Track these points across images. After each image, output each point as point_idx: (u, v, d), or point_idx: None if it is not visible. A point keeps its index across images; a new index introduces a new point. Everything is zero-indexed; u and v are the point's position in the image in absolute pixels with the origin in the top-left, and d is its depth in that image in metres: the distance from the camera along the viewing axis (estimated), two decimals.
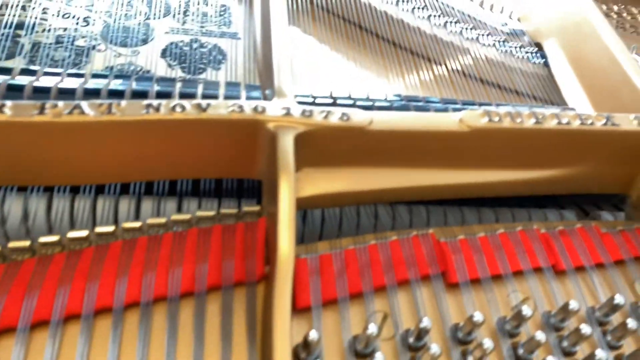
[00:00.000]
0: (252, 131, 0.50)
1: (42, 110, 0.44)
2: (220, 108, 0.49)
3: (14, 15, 0.75)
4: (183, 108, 0.48)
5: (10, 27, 0.73)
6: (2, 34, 0.72)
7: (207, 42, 0.80)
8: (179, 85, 0.61)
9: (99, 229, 0.49)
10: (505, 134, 0.53)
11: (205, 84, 0.62)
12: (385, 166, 0.52)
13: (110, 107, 0.46)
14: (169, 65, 0.75)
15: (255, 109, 0.50)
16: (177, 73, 0.74)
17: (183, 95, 0.60)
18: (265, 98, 0.60)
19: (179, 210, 0.61)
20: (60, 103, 0.45)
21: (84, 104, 0.45)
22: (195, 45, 0.79)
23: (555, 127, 0.54)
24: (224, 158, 0.53)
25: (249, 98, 0.59)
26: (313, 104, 0.60)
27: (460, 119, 0.53)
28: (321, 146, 0.51)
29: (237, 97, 0.60)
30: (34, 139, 0.45)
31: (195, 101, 0.49)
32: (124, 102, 0.47)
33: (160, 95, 0.59)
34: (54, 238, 0.47)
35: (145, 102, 0.48)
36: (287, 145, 0.48)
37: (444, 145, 0.53)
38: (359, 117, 0.50)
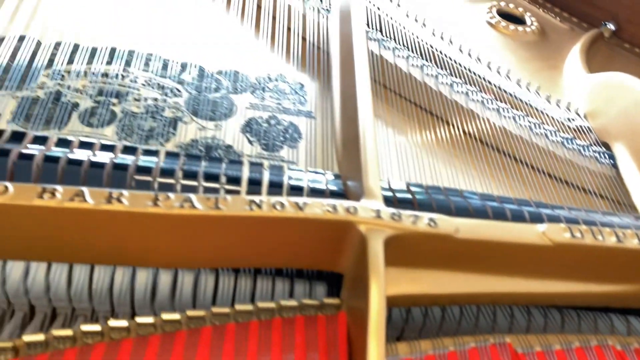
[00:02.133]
0: (342, 230, 0.53)
1: (155, 201, 0.48)
2: (315, 207, 0.52)
3: (111, 84, 0.80)
4: (282, 206, 0.51)
5: (108, 95, 0.78)
6: (99, 102, 0.77)
7: (284, 120, 0.84)
8: (266, 173, 0.64)
9: (191, 313, 0.51)
10: (587, 249, 0.54)
11: (289, 172, 0.65)
12: (468, 271, 0.54)
13: (217, 202, 0.49)
14: (249, 141, 0.79)
15: (347, 210, 0.52)
16: (257, 149, 0.78)
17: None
18: (347, 190, 0.63)
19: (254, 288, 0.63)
20: (172, 195, 0.49)
21: (194, 198, 0.49)
22: (273, 122, 0.83)
23: (636, 247, 0.55)
24: (309, 251, 0.56)
25: (331, 191, 0.62)
26: (390, 189, 0.63)
27: (543, 232, 0.54)
28: (407, 248, 0.53)
29: (320, 188, 0.63)
30: (144, 228, 0.48)
31: (293, 199, 0.52)
32: (229, 198, 0.50)
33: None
34: (149, 319, 0.50)
35: (249, 198, 0.51)
36: (377, 248, 0.50)
37: (525, 255, 0.54)
38: (446, 224, 0.52)
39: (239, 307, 0.53)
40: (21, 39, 0.81)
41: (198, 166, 0.62)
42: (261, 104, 0.85)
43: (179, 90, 0.83)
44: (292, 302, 0.54)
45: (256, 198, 0.51)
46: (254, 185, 0.61)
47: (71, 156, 0.56)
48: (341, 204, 0.53)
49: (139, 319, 0.49)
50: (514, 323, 0.62)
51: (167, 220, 0.48)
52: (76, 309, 0.59)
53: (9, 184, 0.47)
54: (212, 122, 0.80)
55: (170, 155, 0.62)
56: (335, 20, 0.94)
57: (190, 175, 0.58)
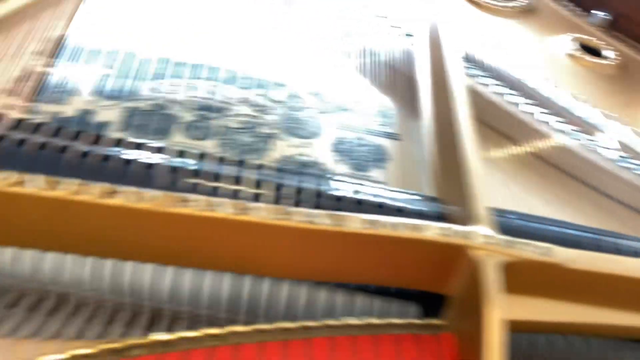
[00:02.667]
0: (454, 254, 0.54)
1: (287, 215, 0.50)
2: (431, 230, 0.53)
3: (209, 99, 0.84)
4: (399, 226, 0.52)
5: (206, 110, 0.82)
6: (200, 116, 0.81)
7: (371, 141, 0.86)
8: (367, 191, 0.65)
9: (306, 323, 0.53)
10: None
11: (388, 192, 0.67)
12: (578, 301, 0.54)
13: (341, 219, 0.51)
14: (339, 161, 0.81)
15: (462, 235, 0.53)
16: (347, 169, 0.80)
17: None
18: (449, 214, 0.63)
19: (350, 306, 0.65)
20: (303, 209, 0.51)
21: (320, 214, 0.51)
22: (360, 142, 0.85)
23: None
24: (415, 271, 0.57)
25: (433, 213, 0.63)
26: (499, 215, 0.63)
27: None
28: (518, 276, 0.53)
29: (422, 210, 0.63)
30: (272, 239, 0.51)
31: (410, 221, 0.53)
32: (351, 216, 0.52)
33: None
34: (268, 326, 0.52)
35: (367, 217, 0.53)
36: (492, 274, 0.51)
37: (635, 289, 0.54)
38: (561, 254, 0.53)
39: (349, 321, 0.54)
40: (117, 52, 0.86)
41: (312, 183, 0.64)
42: (348, 124, 0.88)
43: (271, 108, 0.86)
44: (400, 320, 0.55)
45: (374, 217, 0.52)
46: (358, 205, 0.63)
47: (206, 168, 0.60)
48: (455, 228, 0.54)
49: (261, 326, 0.51)
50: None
51: (296, 233, 0.50)
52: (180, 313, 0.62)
53: (154, 192, 0.50)
54: (303, 140, 0.83)
55: (282, 171, 0.64)
56: (421, 44, 0.96)
57: (304, 191, 0.60)
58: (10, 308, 0.55)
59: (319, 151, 0.81)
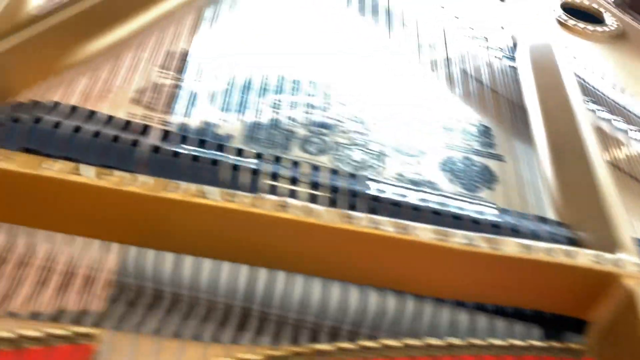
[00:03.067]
0: (603, 281, 0.54)
1: (443, 236, 0.52)
2: (582, 257, 0.54)
3: (318, 115, 0.86)
4: (549, 252, 0.53)
5: (318, 125, 0.84)
6: (312, 131, 0.83)
7: (478, 161, 0.87)
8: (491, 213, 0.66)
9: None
10: None
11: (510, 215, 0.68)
12: None
13: (497, 242, 0.52)
14: (450, 180, 0.83)
15: (614, 263, 0.54)
16: (457, 188, 0.81)
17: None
18: (582, 239, 0.64)
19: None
20: (456, 231, 0.52)
21: (476, 237, 0.52)
22: (467, 163, 0.86)
23: None
24: (559, 296, 0.58)
25: (566, 238, 0.64)
26: None
27: None
28: None
29: (554, 234, 0.63)
30: (420, 258, 0.53)
31: (563, 247, 0.54)
32: (505, 240, 0.53)
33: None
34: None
35: (520, 241, 0.54)
36: None
37: None
38: None
39: (473, 341, 0.55)
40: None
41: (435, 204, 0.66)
42: (453, 144, 0.89)
43: (374, 126, 0.88)
44: (540, 343, 0.56)
45: (527, 242, 0.54)
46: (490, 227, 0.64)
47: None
48: (607, 256, 0.55)
49: (410, 341, 0.52)
50: None
51: (454, 254, 0.51)
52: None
53: (321, 208, 0.53)
54: (412, 158, 0.84)
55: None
56: (524, 65, 0.97)
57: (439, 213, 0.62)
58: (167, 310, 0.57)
59: (429, 170, 0.83)
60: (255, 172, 0.59)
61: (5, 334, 0.46)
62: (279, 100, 0.86)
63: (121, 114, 0.68)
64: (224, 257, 0.55)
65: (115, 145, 0.59)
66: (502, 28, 1.09)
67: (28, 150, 0.58)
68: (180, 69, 0.84)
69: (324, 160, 0.80)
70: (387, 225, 0.51)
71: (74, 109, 0.65)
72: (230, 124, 0.80)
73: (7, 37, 0.64)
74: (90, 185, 0.49)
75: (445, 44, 1.01)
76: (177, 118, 0.79)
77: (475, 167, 0.85)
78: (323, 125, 0.84)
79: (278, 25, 1.00)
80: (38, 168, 0.50)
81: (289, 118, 0.83)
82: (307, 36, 0.99)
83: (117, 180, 0.51)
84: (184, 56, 0.86)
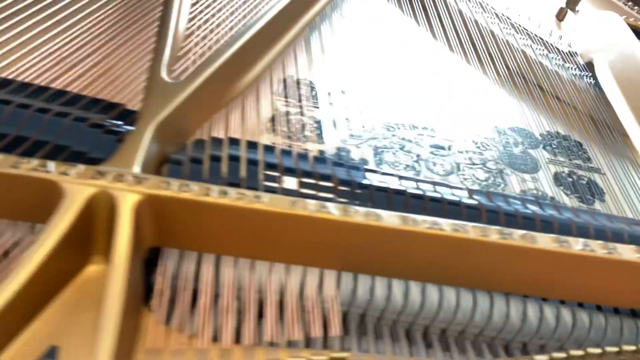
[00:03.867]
0: None
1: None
2: None
3: (434, 137, 0.90)
4: None
5: (436, 147, 0.88)
6: (433, 153, 0.86)
7: (582, 175, 0.92)
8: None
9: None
10: None
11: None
12: None
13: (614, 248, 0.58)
14: (567, 194, 0.87)
15: None
16: (574, 202, 0.86)
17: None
18: None
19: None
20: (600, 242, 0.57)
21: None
22: (574, 177, 0.91)
23: None
24: None
25: None
26: None
27: None
28: None
29: None
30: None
31: None
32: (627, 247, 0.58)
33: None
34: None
35: None
36: None
37: None
38: None
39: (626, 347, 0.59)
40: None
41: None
42: (556, 159, 0.94)
43: (488, 145, 0.92)
44: None
45: None
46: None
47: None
48: None
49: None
50: None
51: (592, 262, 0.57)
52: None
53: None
54: (527, 175, 0.88)
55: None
56: (607, 79, 1.03)
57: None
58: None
59: (546, 185, 0.87)
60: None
61: None
62: (396, 124, 0.90)
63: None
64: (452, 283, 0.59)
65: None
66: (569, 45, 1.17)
67: (230, 184, 0.60)
68: (300, 97, 0.87)
69: (453, 180, 0.83)
70: (597, 247, 0.56)
71: (251, 143, 0.67)
72: (360, 149, 0.83)
73: (186, 87, 0.67)
74: (337, 220, 0.52)
75: (531, 67, 1.06)
76: (311, 145, 0.81)
77: (582, 180, 0.91)
78: (441, 147, 0.88)
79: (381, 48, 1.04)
80: (292, 207, 0.52)
81: (408, 140, 0.87)
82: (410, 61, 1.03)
83: (364, 214, 0.54)
84: (305, 85, 0.89)
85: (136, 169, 0.55)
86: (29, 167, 0.51)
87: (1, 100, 0.61)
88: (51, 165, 0.51)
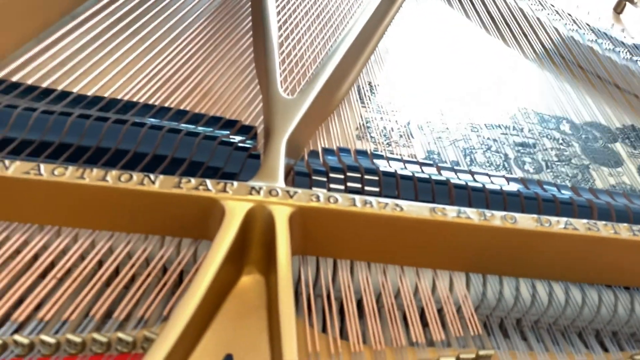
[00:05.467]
0: None
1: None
2: None
3: (518, 136, 0.92)
4: None
5: (524, 146, 0.90)
6: (520, 152, 0.89)
7: None
8: None
9: None
10: None
11: None
12: None
13: None
14: None
15: None
16: None
17: None
18: None
19: None
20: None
21: None
22: None
23: None
24: None
25: None
26: None
27: None
28: None
29: None
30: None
31: None
32: None
33: None
34: None
35: None
36: None
37: None
38: None
39: None
40: None
41: None
42: (637, 152, 0.96)
43: (568, 141, 0.94)
44: None
45: None
46: None
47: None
48: None
49: None
50: None
51: None
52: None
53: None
54: (612, 169, 0.91)
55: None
56: None
57: None
58: None
59: (632, 179, 0.89)
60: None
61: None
62: (478, 124, 0.92)
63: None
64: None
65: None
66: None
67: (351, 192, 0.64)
68: (380, 103, 0.90)
69: (543, 177, 0.86)
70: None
71: (360, 152, 0.70)
72: (448, 151, 0.86)
73: (302, 102, 0.70)
74: (475, 225, 0.55)
75: (600, 62, 1.08)
76: (402, 150, 0.84)
77: None
78: (527, 145, 0.91)
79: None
80: (431, 214, 0.55)
81: (493, 139, 0.90)
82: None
83: (501, 217, 0.57)
84: (383, 89, 0.92)
85: (281, 183, 0.58)
86: (190, 186, 0.54)
87: (136, 122, 0.65)
88: (209, 183, 0.55)
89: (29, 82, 0.71)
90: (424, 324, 0.58)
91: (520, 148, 0.90)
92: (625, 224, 0.58)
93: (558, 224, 0.57)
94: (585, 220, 0.57)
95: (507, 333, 0.62)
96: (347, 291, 0.58)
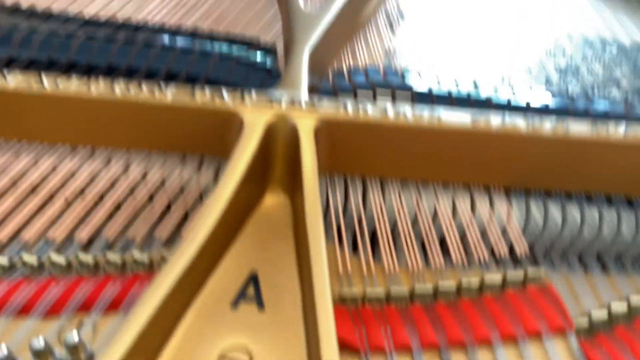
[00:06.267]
0: None
1: None
2: None
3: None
4: None
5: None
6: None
7: None
8: None
9: None
10: None
11: None
12: None
13: None
14: None
15: None
16: None
17: None
18: None
19: None
20: None
21: None
22: None
23: None
24: None
25: None
26: None
27: None
28: None
29: None
30: None
31: None
32: None
33: None
34: None
35: None
36: None
37: None
38: None
39: None
40: None
41: None
42: None
43: (617, 63, 0.87)
44: None
45: None
46: None
47: None
48: None
49: None
50: None
51: None
52: None
53: None
54: None
55: None
56: None
57: None
58: None
59: None
60: None
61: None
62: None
63: None
64: None
65: None
66: None
67: None
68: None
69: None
70: None
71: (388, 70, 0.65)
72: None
73: (323, 17, 0.64)
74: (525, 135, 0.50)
75: None
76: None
77: None
78: (570, 69, 0.83)
79: None
80: (473, 125, 0.50)
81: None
82: None
83: (551, 127, 0.51)
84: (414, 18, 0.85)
85: (305, 93, 0.53)
86: (205, 98, 0.49)
87: (147, 43, 0.60)
88: (226, 94, 0.50)
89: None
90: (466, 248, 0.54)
91: (563, 73, 0.83)
92: None
93: (616, 131, 0.51)
94: None
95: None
96: (380, 213, 0.53)
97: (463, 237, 0.54)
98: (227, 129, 0.49)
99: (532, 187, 0.54)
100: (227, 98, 0.49)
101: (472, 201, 0.56)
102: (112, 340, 0.37)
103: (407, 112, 0.51)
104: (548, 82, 0.81)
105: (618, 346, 0.45)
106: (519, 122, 0.51)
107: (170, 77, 0.58)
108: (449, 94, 0.62)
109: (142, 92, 0.49)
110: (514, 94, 0.67)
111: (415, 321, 0.45)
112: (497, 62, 0.82)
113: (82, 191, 0.51)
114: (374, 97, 0.60)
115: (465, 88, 0.67)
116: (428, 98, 0.62)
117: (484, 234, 0.54)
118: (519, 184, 0.53)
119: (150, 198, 0.51)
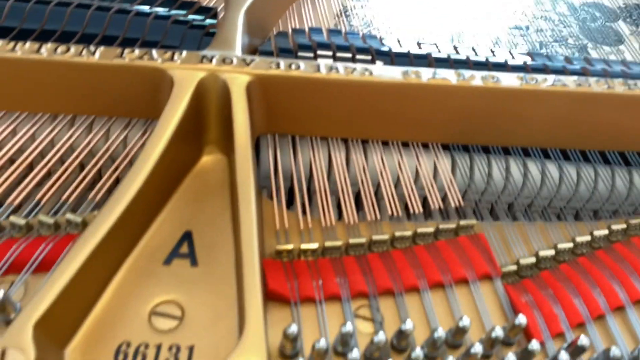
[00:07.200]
0: None
1: None
2: None
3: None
4: None
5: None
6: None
7: None
8: None
9: None
10: None
11: None
12: None
13: None
14: None
15: None
16: None
17: None
18: None
19: None
20: None
21: None
22: None
23: None
24: None
25: None
26: None
27: None
28: None
29: None
30: None
31: None
32: None
33: None
34: None
35: None
36: None
37: None
38: None
39: None
40: None
41: None
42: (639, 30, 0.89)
43: (565, 21, 0.87)
44: None
45: None
46: None
47: None
48: None
49: None
50: None
51: None
52: None
53: None
54: (613, 47, 0.84)
55: None
56: None
57: None
58: None
59: (633, 56, 0.83)
60: None
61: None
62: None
63: None
64: None
65: None
66: None
67: None
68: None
69: None
70: None
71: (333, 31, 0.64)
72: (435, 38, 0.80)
73: None
74: (455, 86, 0.50)
75: None
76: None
77: None
78: (519, 27, 0.84)
79: None
80: (405, 77, 0.50)
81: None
82: None
83: (482, 77, 0.52)
84: None
85: (237, 52, 0.52)
86: (133, 56, 0.49)
87: (82, 4, 0.59)
88: (155, 53, 0.49)
89: None
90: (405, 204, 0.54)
91: (513, 30, 0.84)
92: (620, 79, 0.52)
93: (545, 81, 0.51)
94: (575, 77, 0.51)
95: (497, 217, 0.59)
96: (319, 169, 0.54)
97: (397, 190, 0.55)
98: (158, 88, 0.49)
99: (469, 142, 0.54)
100: (156, 56, 0.49)
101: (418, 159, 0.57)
102: (37, 295, 0.37)
103: (340, 67, 0.51)
104: (497, 41, 0.82)
105: (542, 289, 0.46)
106: (449, 75, 0.52)
107: (107, 41, 0.57)
108: (390, 50, 0.62)
109: (69, 52, 0.48)
110: (455, 49, 0.67)
111: (347, 272, 0.46)
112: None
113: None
114: (315, 58, 0.60)
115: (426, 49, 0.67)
116: (369, 54, 0.62)
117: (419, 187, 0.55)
118: (456, 140, 0.54)
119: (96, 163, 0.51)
